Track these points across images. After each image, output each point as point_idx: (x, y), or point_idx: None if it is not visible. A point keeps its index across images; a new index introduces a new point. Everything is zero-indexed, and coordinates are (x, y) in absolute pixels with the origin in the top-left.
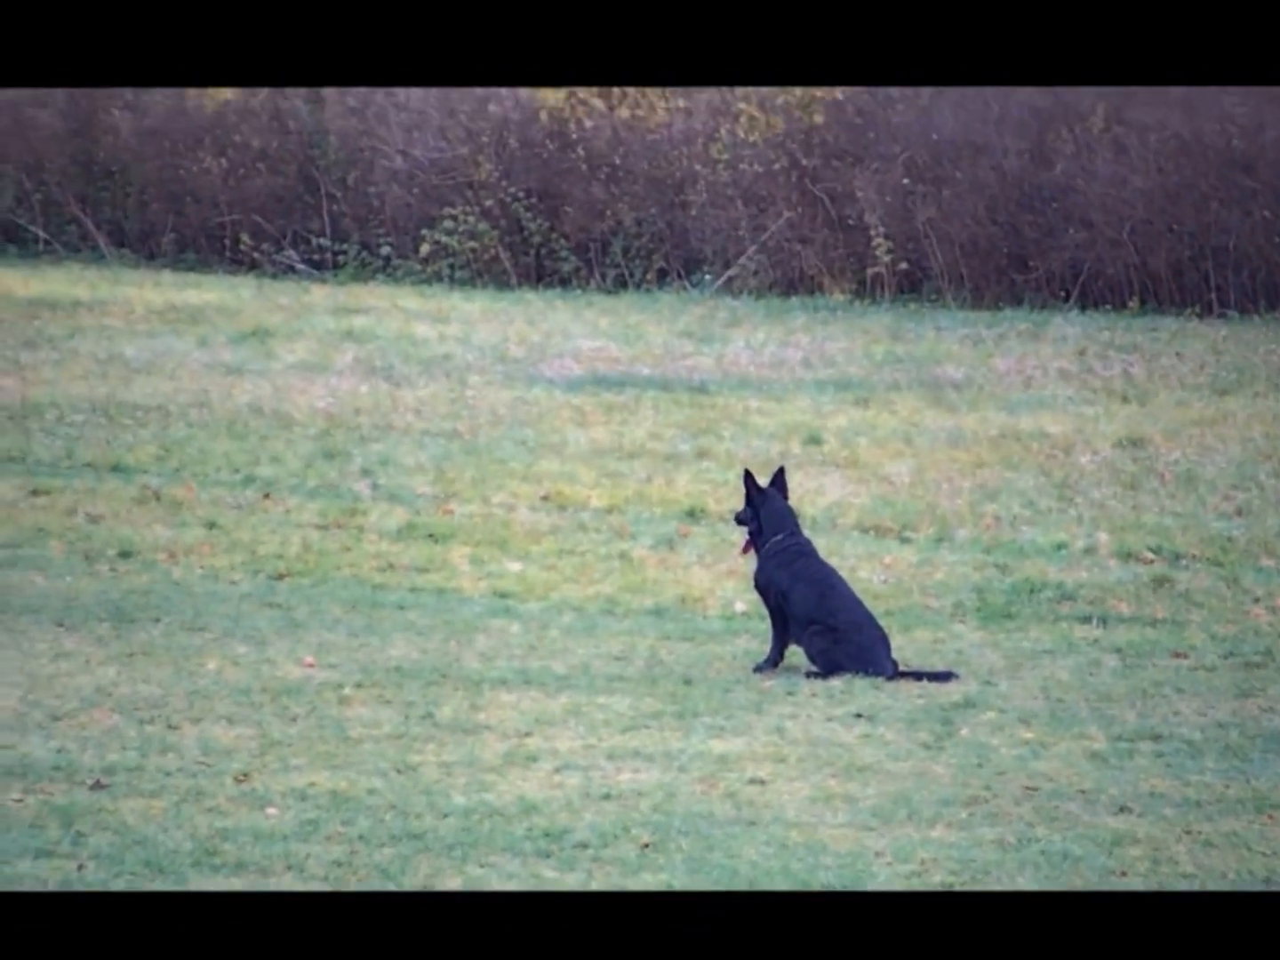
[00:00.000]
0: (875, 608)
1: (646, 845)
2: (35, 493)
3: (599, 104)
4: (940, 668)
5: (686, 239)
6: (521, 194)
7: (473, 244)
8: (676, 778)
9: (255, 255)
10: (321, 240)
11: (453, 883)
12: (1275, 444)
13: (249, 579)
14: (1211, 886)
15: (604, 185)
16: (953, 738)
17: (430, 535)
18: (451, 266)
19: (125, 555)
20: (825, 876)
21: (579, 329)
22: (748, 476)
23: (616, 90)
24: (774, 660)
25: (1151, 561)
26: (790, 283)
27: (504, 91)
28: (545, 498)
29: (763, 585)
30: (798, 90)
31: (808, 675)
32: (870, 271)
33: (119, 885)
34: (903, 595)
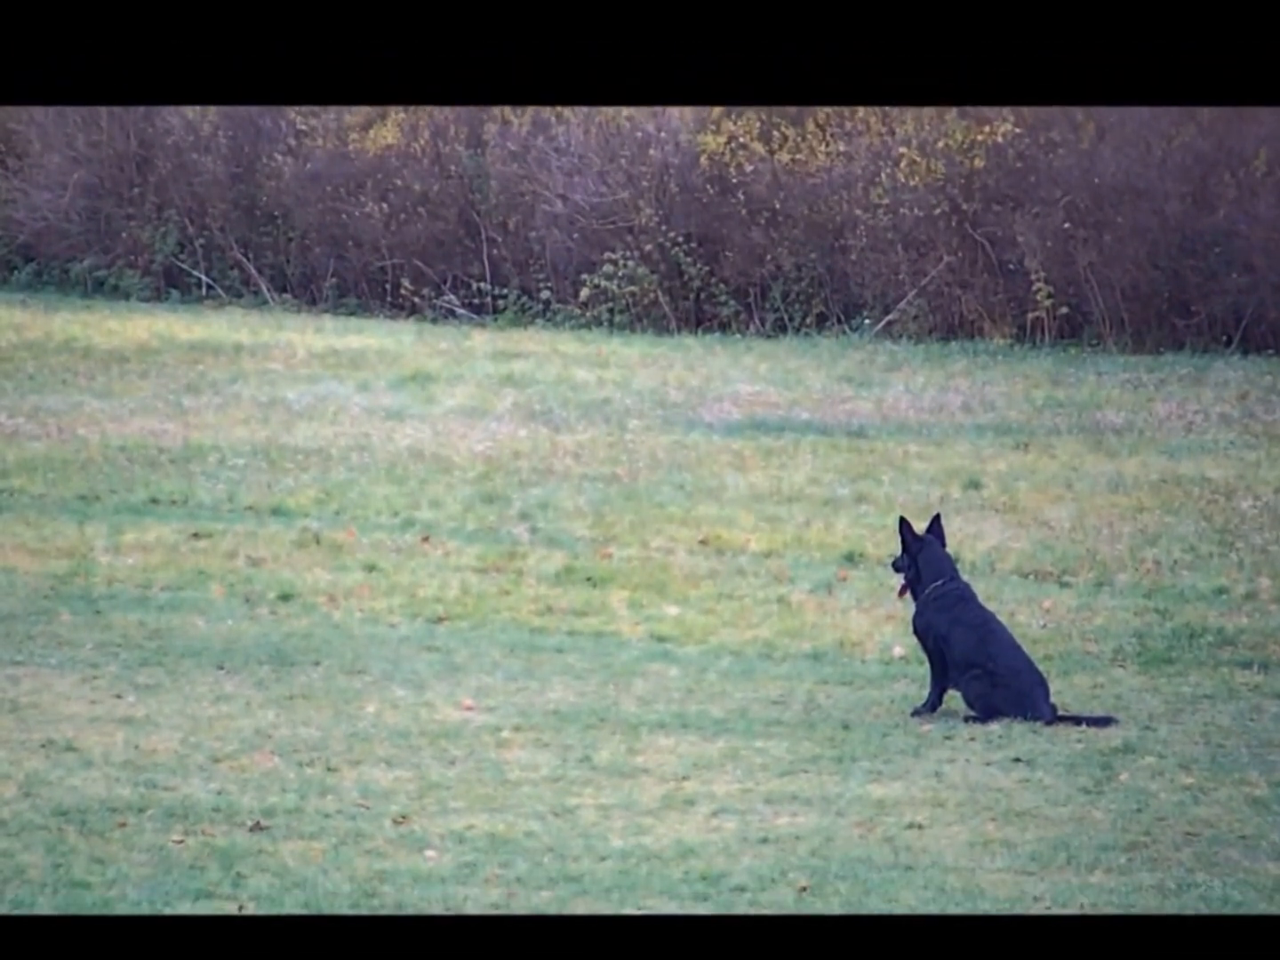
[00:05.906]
0: (1034, 652)
1: (804, 889)
2: (197, 536)
3: (759, 148)
4: (1100, 713)
5: (846, 284)
6: (681, 238)
7: (632, 289)
8: (834, 822)
9: (416, 300)
10: (482, 285)
11: None
12: None
13: (408, 622)
14: None
15: (764, 230)
16: (1112, 783)
17: (589, 579)
18: (611, 311)
19: (285, 598)
20: None
21: (738, 374)
22: (903, 524)
23: (777, 134)
24: (932, 704)
25: None
26: (950, 327)
27: (664, 135)
28: (703, 542)
29: (921, 630)
30: (958, 134)
31: (966, 720)
32: (1030, 316)
33: None
34: (1062, 640)
